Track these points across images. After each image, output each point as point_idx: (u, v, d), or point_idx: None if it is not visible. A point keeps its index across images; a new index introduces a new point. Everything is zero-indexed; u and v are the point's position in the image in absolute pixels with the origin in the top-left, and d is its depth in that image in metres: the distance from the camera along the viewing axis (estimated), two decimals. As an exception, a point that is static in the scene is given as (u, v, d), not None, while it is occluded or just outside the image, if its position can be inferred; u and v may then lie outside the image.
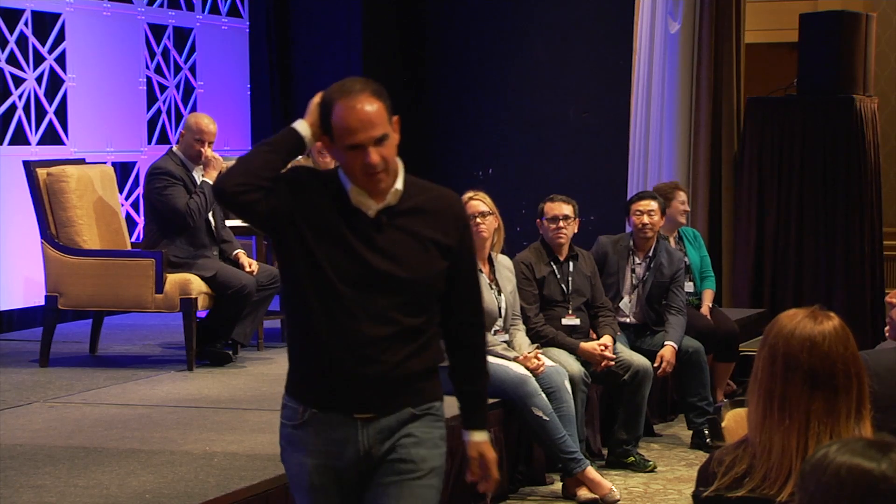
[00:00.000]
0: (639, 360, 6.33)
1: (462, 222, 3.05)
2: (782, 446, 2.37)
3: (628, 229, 6.90)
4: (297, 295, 2.97)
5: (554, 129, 9.80)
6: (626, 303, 6.74)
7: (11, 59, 7.83)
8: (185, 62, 9.27)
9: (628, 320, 6.71)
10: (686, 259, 7.22)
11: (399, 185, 2.97)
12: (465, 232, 3.05)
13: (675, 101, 8.91)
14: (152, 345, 7.32)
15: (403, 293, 2.94)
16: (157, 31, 8.99)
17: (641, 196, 6.85)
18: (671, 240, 7.21)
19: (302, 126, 2.99)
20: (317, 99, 2.98)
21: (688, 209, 7.35)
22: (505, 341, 5.86)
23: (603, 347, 6.17)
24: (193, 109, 9.15)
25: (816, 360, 2.38)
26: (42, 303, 6.75)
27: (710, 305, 7.28)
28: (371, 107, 2.88)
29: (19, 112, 7.89)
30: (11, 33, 7.82)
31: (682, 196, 7.27)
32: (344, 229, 2.93)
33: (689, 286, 7.18)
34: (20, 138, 7.89)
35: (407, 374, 2.96)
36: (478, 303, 3.11)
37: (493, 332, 5.82)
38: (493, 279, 5.87)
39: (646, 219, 6.68)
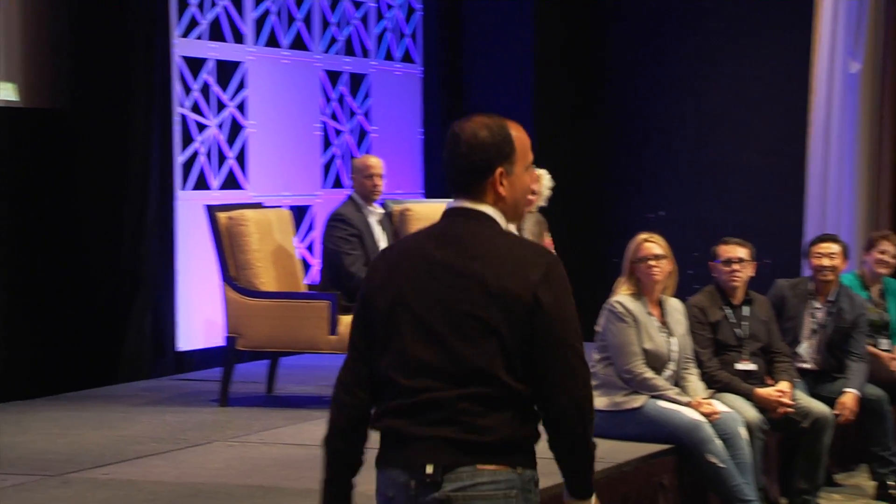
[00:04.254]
0: (818, 407, 6.16)
1: None
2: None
3: (806, 273, 6.72)
4: None
5: (728, 172, 9.65)
6: (804, 348, 6.56)
7: (195, 108, 8.09)
8: (360, 107, 9.44)
9: (807, 366, 6.53)
10: (886, 315, 6.98)
11: None
12: None
13: (856, 143, 8.69)
14: (327, 385, 7.39)
15: None
16: (333, 77, 9.19)
17: (823, 238, 6.68)
18: (874, 291, 6.98)
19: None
20: None
21: (888, 260, 6.96)
22: (677, 384, 5.77)
23: (780, 394, 6.02)
24: (367, 153, 9.30)
25: None
26: (221, 343, 6.91)
27: None
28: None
29: (202, 158, 8.14)
30: (195, 81, 8.09)
31: (883, 245, 6.95)
32: None
33: (883, 343, 6.92)
34: (202, 183, 8.12)
35: None
36: None
37: (664, 375, 5.74)
38: (664, 322, 5.80)
39: (826, 262, 6.51)
